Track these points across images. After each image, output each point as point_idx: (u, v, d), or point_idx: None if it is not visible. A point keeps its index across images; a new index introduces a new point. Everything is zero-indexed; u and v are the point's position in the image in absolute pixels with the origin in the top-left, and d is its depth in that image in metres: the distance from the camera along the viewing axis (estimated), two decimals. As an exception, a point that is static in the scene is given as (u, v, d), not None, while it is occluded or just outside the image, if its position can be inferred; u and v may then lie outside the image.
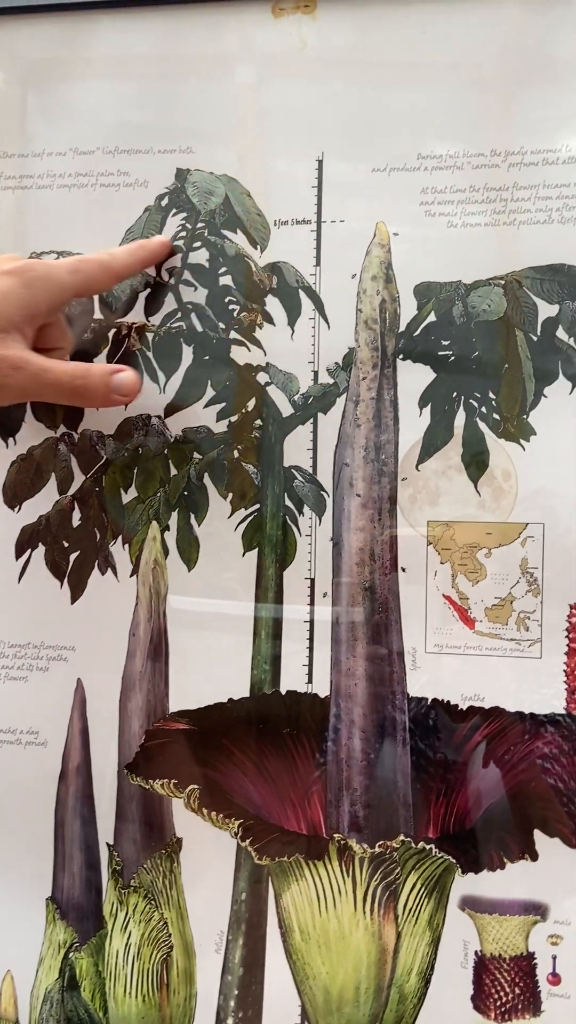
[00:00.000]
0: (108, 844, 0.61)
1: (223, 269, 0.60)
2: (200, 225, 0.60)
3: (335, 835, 0.57)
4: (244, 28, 0.59)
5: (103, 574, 0.62)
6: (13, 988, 0.62)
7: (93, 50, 0.62)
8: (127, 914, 0.60)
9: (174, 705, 0.60)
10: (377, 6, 0.58)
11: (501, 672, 0.57)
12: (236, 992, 0.59)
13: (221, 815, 0.59)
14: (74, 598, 0.62)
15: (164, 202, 0.61)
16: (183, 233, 0.60)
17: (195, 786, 0.59)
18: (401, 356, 0.58)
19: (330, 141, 0.59)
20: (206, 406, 0.60)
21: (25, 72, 0.63)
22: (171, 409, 0.61)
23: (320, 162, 0.59)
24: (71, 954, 0.61)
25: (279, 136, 0.59)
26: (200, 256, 0.60)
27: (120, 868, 0.61)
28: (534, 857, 0.56)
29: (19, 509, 0.62)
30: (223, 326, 0.60)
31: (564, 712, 0.56)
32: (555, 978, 0.57)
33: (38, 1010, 0.62)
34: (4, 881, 0.62)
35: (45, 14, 0.62)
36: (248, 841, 0.58)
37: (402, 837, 0.57)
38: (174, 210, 0.60)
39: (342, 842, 0.57)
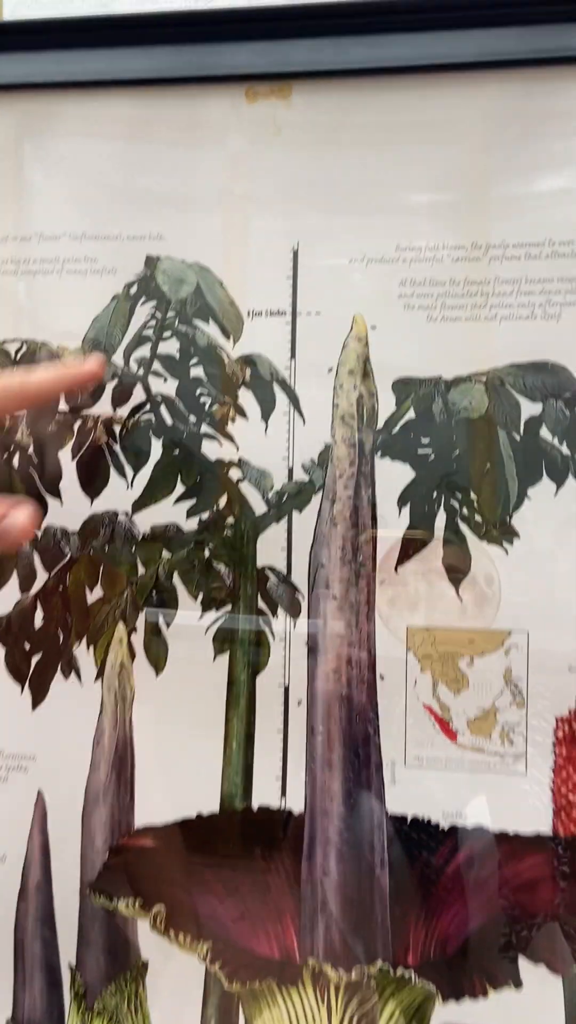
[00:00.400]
0: (70, 965, 0.58)
1: (194, 360, 0.58)
2: (171, 314, 0.58)
3: (309, 960, 0.55)
4: (217, 113, 0.58)
5: (66, 678, 0.59)
6: None
7: (58, 132, 0.60)
8: (89, 1043, 0.57)
9: (140, 819, 0.57)
10: (354, 93, 0.56)
11: (484, 788, 0.54)
12: None
13: (189, 937, 0.56)
14: (35, 704, 0.59)
15: (133, 290, 0.58)
16: (152, 322, 0.58)
17: (161, 906, 0.56)
18: (379, 453, 0.56)
19: (306, 230, 0.57)
20: (176, 502, 0.57)
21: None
22: (139, 505, 0.58)
23: (295, 252, 0.57)
24: None
25: (253, 224, 0.57)
26: (170, 346, 0.58)
27: (83, 991, 0.57)
28: (519, 984, 0.53)
29: (-22, 608, 0.60)
30: (194, 419, 0.58)
31: (550, 833, 0.54)
32: None
33: None
34: (-42, 1007, 0.59)
35: (5, 92, 0.60)
36: (217, 965, 0.55)
37: (380, 963, 0.54)
38: (143, 298, 0.58)
39: (317, 968, 0.54)
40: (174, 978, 0.56)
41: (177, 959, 0.56)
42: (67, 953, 0.58)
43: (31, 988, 0.58)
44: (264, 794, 0.56)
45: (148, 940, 0.56)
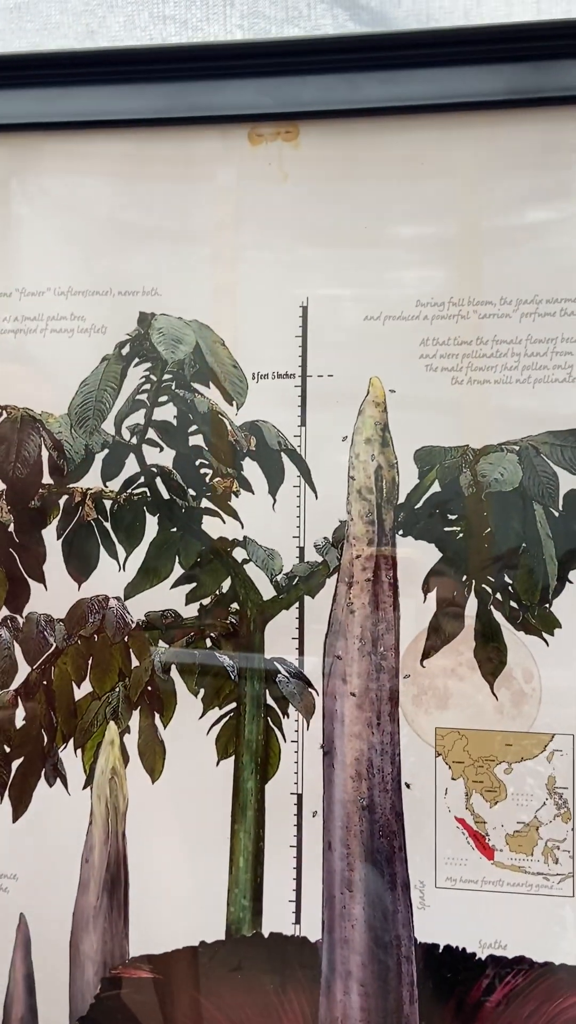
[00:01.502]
0: None
1: (193, 428, 0.52)
2: (167, 377, 0.53)
3: None
4: (217, 157, 0.53)
5: (51, 786, 0.53)
6: None
7: (41, 176, 0.55)
8: None
9: (135, 948, 0.51)
10: (367, 135, 0.51)
11: (526, 913, 0.48)
12: None
13: None
14: (16, 815, 0.53)
15: (125, 350, 0.53)
16: (147, 386, 0.53)
17: (161, 1049, 0.50)
18: (401, 532, 0.50)
19: (316, 285, 0.52)
20: (173, 586, 0.52)
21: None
22: (132, 590, 0.52)
23: (304, 308, 0.52)
24: None
25: (258, 279, 0.52)
26: (166, 412, 0.53)
27: None
28: None
29: (-47, 706, 0.54)
30: (193, 493, 0.52)
31: (603, 966, 0.48)
32: None
33: None
34: None
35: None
36: None
37: None
38: (136, 360, 0.53)
39: None
40: None
41: None
42: None
43: None
44: (275, 919, 0.50)
45: None
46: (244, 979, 0.50)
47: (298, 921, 0.50)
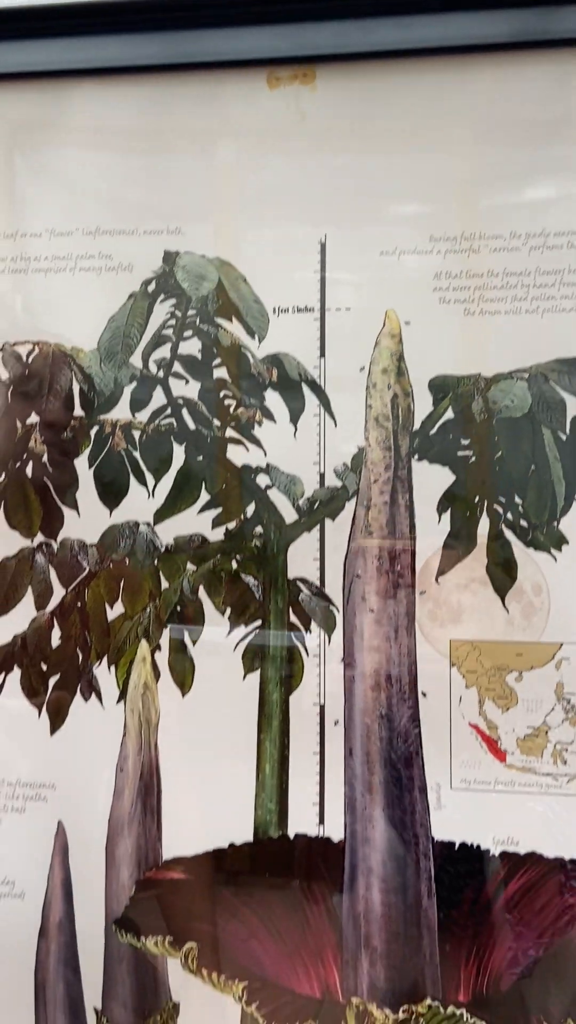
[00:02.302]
0: (96, 1009, 0.55)
1: (217, 361, 0.55)
2: (191, 313, 0.56)
3: (353, 999, 0.52)
4: (237, 100, 0.55)
5: (86, 700, 0.56)
6: None
7: (69, 122, 0.57)
8: None
9: (168, 851, 0.55)
10: (383, 76, 0.54)
11: (537, 812, 0.51)
12: None
13: (223, 976, 0.53)
14: (53, 728, 0.56)
15: (151, 287, 0.56)
16: (172, 321, 0.56)
17: (193, 944, 0.53)
18: (416, 456, 0.53)
19: (334, 222, 0.54)
20: (200, 511, 0.55)
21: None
22: (161, 515, 0.55)
23: (323, 245, 0.55)
24: None
25: (277, 217, 0.55)
26: (191, 347, 0.56)
27: (109, 1038, 0.55)
28: (579, 1021, 0.51)
29: (-9, 628, 0.57)
30: (218, 423, 0.55)
31: (609, 858, 0.51)
32: None
33: None
34: (-24, 1056, 0.56)
35: (9, 83, 0.58)
36: (255, 1006, 0.52)
37: (429, 1001, 0.51)
38: (162, 296, 0.56)
39: (361, 1007, 0.52)
40: (208, 1021, 0.54)
41: (211, 1000, 0.53)
42: (92, 996, 0.55)
43: (53, 1034, 0.55)
44: (301, 821, 0.54)
45: (179, 980, 0.54)
46: (271, 878, 0.53)
47: (322, 822, 0.53)
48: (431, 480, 0.53)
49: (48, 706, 0.56)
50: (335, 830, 0.53)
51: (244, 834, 0.54)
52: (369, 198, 0.54)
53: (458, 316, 0.53)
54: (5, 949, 0.55)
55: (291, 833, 0.53)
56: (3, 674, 0.56)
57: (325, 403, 0.54)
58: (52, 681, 0.56)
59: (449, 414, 0.53)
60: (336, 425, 0.54)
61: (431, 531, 0.53)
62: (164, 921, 0.53)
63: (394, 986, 0.52)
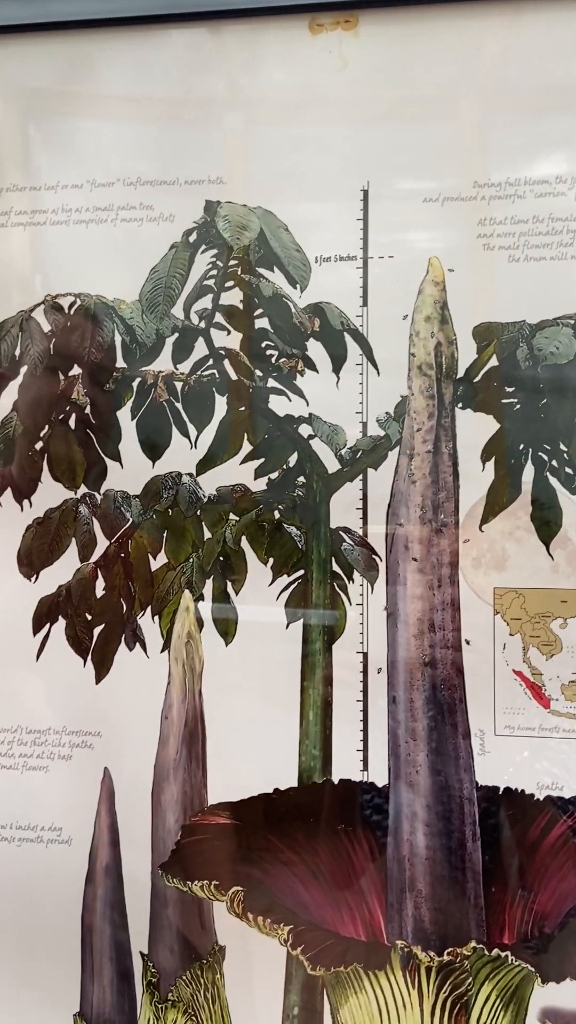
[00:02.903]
0: (142, 953, 0.56)
1: (259, 311, 0.55)
2: (233, 263, 0.56)
3: (398, 942, 0.53)
4: (278, 47, 0.55)
5: (131, 650, 0.57)
6: None
7: (108, 71, 0.58)
8: (165, 1033, 0.55)
9: (213, 796, 0.56)
10: (427, 21, 0.54)
11: (581, 756, 0.52)
12: None
13: (268, 920, 0.54)
14: (99, 677, 0.57)
15: (192, 238, 0.56)
16: (213, 272, 0.56)
17: (239, 888, 0.54)
18: (460, 405, 0.53)
19: (376, 169, 0.54)
20: (242, 462, 0.56)
21: (31, 98, 0.59)
22: (204, 466, 0.56)
23: (366, 192, 0.55)
24: (102, 1079, 0.56)
25: (319, 164, 0.55)
26: (233, 297, 0.56)
27: (156, 980, 0.56)
28: (623, 963, 0.51)
29: (36, 578, 0.58)
30: (260, 374, 0.56)
31: None
32: None
33: None
34: (27, 995, 0.57)
35: (52, 32, 0.58)
36: (300, 949, 0.53)
37: (473, 944, 0.52)
38: (203, 246, 0.56)
39: (406, 950, 0.52)
40: (253, 964, 0.55)
41: (256, 944, 0.54)
42: (138, 940, 0.56)
43: (100, 979, 0.56)
44: (344, 767, 0.54)
45: (225, 924, 0.55)
46: (316, 822, 0.54)
47: (365, 768, 0.54)
48: (475, 428, 0.53)
49: (93, 655, 0.57)
50: (379, 776, 0.54)
51: (289, 780, 0.54)
52: (412, 144, 0.54)
53: (502, 263, 0.53)
54: (52, 895, 0.56)
55: (335, 779, 0.55)
56: (49, 624, 0.57)
57: (368, 352, 0.55)
58: (97, 631, 0.57)
59: (493, 362, 0.53)
60: (379, 374, 0.54)
61: (475, 479, 0.53)
62: (210, 865, 0.54)
63: (439, 929, 0.52)
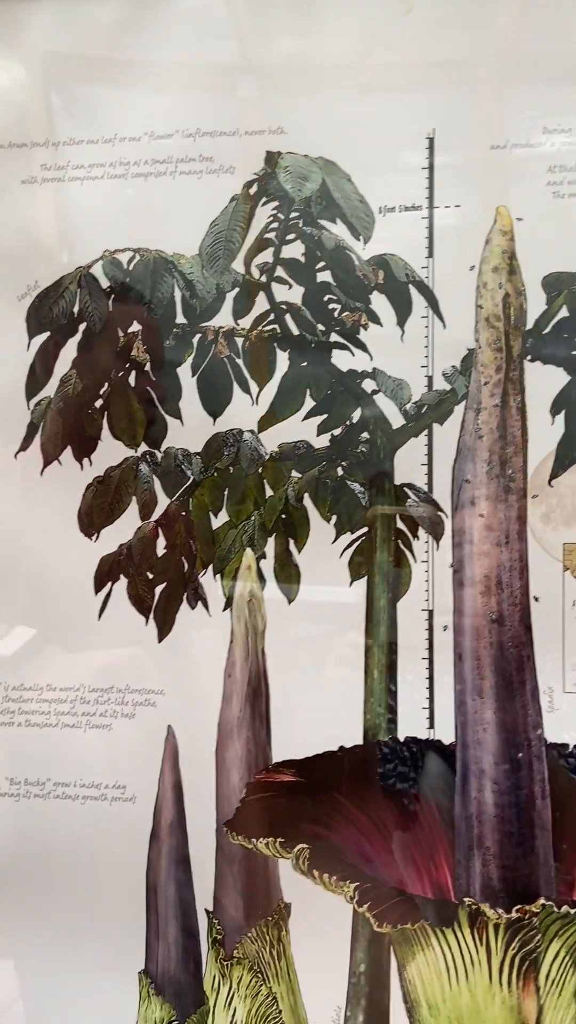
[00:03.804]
0: (207, 910, 0.57)
1: (321, 264, 0.55)
2: (294, 215, 0.55)
3: (465, 899, 0.53)
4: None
5: (192, 608, 0.57)
6: (105, 1072, 0.58)
7: (164, 18, 0.57)
8: (231, 989, 0.56)
9: (277, 754, 0.56)
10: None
11: None
12: (358, 1076, 0.55)
13: (334, 877, 0.54)
14: (161, 636, 0.58)
15: (253, 190, 0.56)
16: (275, 224, 0.56)
17: (304, 845, 0.54)
18: (529, 357, 0.53)
19: (441, 116, 0.54)
20: (305, 418, 0.55)
21: (87, 48, 0.58)
22: (265, 422, 0.56)
23: (431, 140, 0.54)
24: (169, 1034, 0.56)
25: (383, 111, 0.54)
26: (295, 250, 0.55)
27: (221, 937, 0.56)
28: None
29: (97, 537, 0.58)
30: (322, 328, 0.55)
31: None
32: None
33: None
34: (92, 953, 0.58)
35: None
36: (366, 907, 0.53)
37: (543, 900, 0.52)
38: (264, 199, 0.56)
39: (474, 907, 0.52)
40: (319, 921, 0.55)
41: (322, 901, 0.54)
42: (203, 897, 0.57)
43: (165, 936, 0.57)
44: (410, 725, 0.55)
45: (290, 881, 0.55)
46: (382, 780, 0.54)
47: (432, 726, 0.54)
48: (544, 381, 0.53)
49: (155, 614, 0.57)
50: (446, 733, 0.54)
51: (354, 738, 0.55)
52: (478, 90, 0.54)
53: (573, 211, 0.52)
54: (117, 852, 0.57)
55: (401, 736, 0.55)
56: (110, 583, 0.57)
57: (433, 304, 0.54)
58: (158, 590, 0.57)
59: (564, 313, 0.52)
60: (445, 327, 0.54)
61: (544, 434, 0.53)
62: (275, 823, 0.55)
63: (507, 886, 0.52)
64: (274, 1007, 0.56)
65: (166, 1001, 0.57)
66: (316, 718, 0.55)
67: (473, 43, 0.54)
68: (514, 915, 0.53)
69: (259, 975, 0.56)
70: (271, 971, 0.56)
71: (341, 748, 0.55)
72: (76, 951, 0.58)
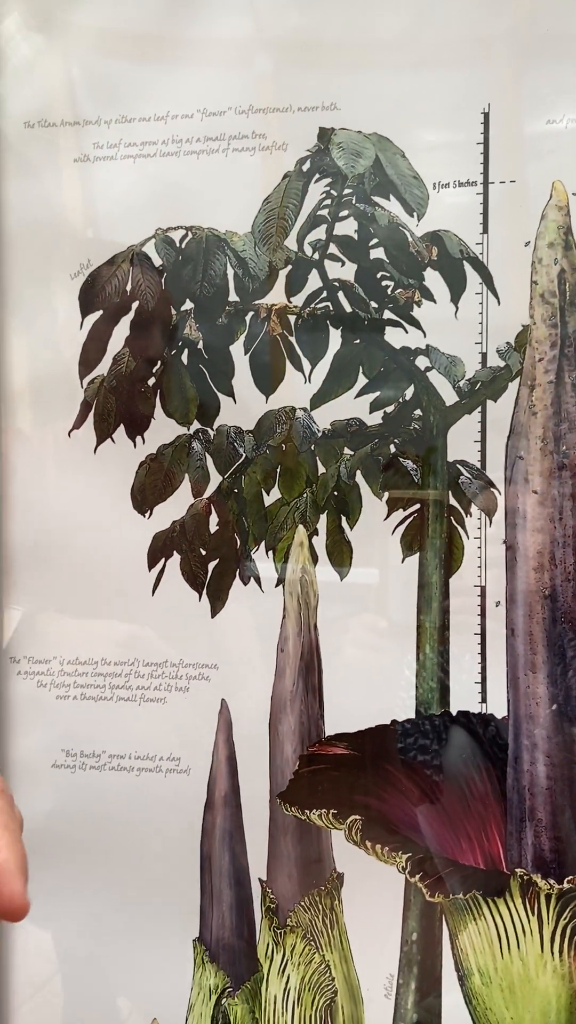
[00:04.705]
0: (261, 880, 0.58)
1: (374, 241, 0.55)
2: (347, 191, 0.56)
3: (517, 870, 0.54)
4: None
5: (245, 584, 0.58)
6: (161, 1036, 0.60)
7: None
8: (284, 956, 0.57)
9: (330, 727, 0.57)
10: None
11: None
12: (411, 1041, 0.56)
13: (387, 848, 0.55)
14: (214, 611, 0.58)
15: (306, 166, 0.56)
16: (328, 201, 0.56)
17: (357, 817, 0.55)
18: (583, 334, 0.53)
19: (497, 91, 0.54)
20: (357, 396, 0.56)
21: (138, 25, 0.58)
22: (318, 400, 0.56)
23: (486, 114, 0.54)
24: (223, 1000, 0.58)
25: (437, 86, 0.54)
26: (347, 227, 0.56)
27: (275, 906, 0.57)
28: None
29: (150, 515, 0.59)
30: (376, 305, 0.56)
31: None
32: None
33: (190, 1059, 0.59)
34: (148, 921, 0.59)
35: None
36: (418, 877, 0.54)
37: (594, 872, 0.53)
38: (317, 175, 0.56)
39: (525, 878, 0.53)
40: (372, 891, 0.56)
41: (375, 871, 0.55)
42: (257, 867, 0.58)
43: (219, 905, 0.58)
44: (463, 699, 0.55)
45: (343, 852, 0.56)
46: (435, 753, 0.55)
47: (484, 701, 0.55)
48: (599, 357, 0.53)
49: (208, 590, 0.58)
50: (498, 708, 0.54)
51: (406, 712, 0.56)
52: (533, 63, 0.53)
53: (629, 185, 0.53)
54: (171, 823, 0.58)
55: (453, 710, 0.55)
56: (164, 560, 0.58)
57: (488, 280, 0.54)
58: (211, 566, 0.58)
59: (619, 288, 0.53)
60: (499, 303, 0.54)
61: (598, 410, 0.53)
62: (328, 794, 0.56)
63: (559, 857, 0.53)
64: (327, 975, 0.57)
65: (220, 968, 0.58)
66: (368, 692, 0.56)
67: (527, 16, 0.54)
68: (566, 886, 0.54)
69: (312, 943, 0.58)
70: (324, 939, 0.58)
71: (393, 721, 0.56)
72: (131, 920, 0.60)
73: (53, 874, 0.61)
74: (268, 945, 0.59)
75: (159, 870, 0.59)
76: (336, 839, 0.57)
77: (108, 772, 0.60)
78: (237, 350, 0.57)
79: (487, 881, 0.55)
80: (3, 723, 0.61)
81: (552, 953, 0.54)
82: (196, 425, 0.58)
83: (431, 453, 0.56)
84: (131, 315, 0.58)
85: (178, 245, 0.57)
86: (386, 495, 0.56)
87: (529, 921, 0.55)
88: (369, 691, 0.56)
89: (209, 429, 0.58)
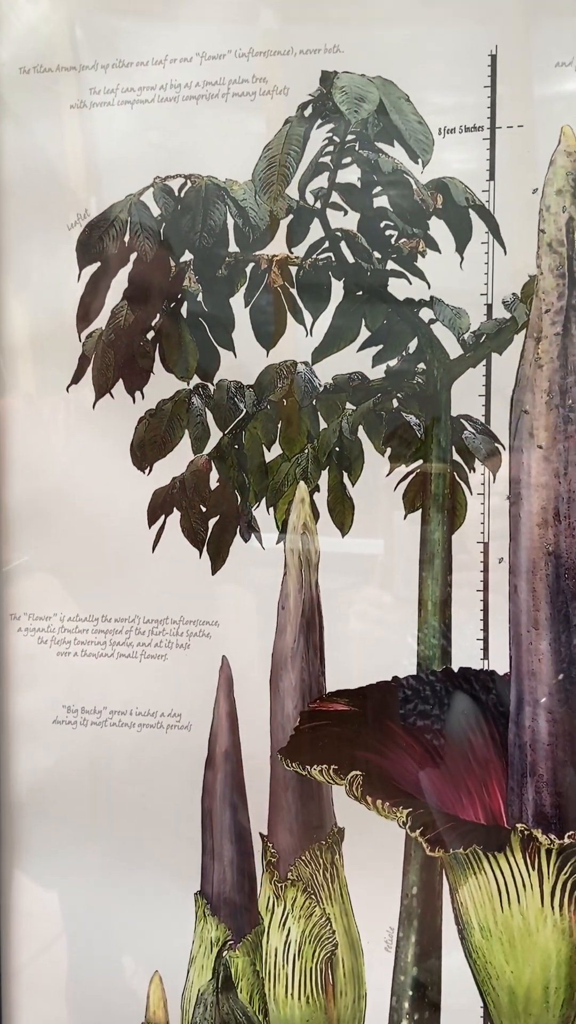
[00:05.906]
0: (261, 834, 0.59)
1: (378, 188, 0.54)
2: (350, 137, 0.54)
3: (518, 825, 0.54)
4: None
5: (246, 541, 0.58)
6: (162, 990, 0.61)
7: None
8: (285, 909, 0.58)
9: (331, 684, 0.57)
10: None
11: None
12: (410, 993, 0.57)
13: (387, 803, 0.55)
14: (215, 568, 0.58)
15: (307, 111, 0.55)
16: (330, 148, 0.55)
17: (358, 772, 0.55)
18: (591, 284, 0.52)
19: (504, 33, 0.52)
20: (360, 349, 0.55)
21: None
22: (320, 353, 0.56)
23: (493, 57, 0.53)
24: (224, 953, 0.59)
25: (443, 28, 0.53)
26: (350, 174, 0.55)
27: (275, 860, 0.58)
28: None
29: (150, 471, 0.59)
30: (379, 256, 0.55)
31: None
32: None
33: (191, 1013, 0.60)
34: (149, 875, 0.60)
35: None
36: (419, 831, 0.55)
37: (595, 827, 0.53)
38: (319, 120, 0.55)
39: (526, 832, 0.54)
40: (372, 846, 0.57)
41: (375, 826, 0.56)
42: (257, 822, 0.59)
43: (220, 859, 0.59)
44: (465, 656, 0.55)
45: (344, 807, 0.57)
46: (436, 708, 0.55)
47: (486, 657, 0.55)
48: (607, 309, 0.52)
49: (208, 547, 0.58)
50: (500, 664, 0.54)
51: (408, 668, 0.56)
52: (542, 3, 0.52)
53: None
54: (173, 779, 0.59)
55: (455, 667, 0.55)
56: (163, 516, 0.58)
57: (494, 229, 0.53)
58: (212, 523, 0.58)
59: (628, 237, 0.52)
60: (506, 253, 0.53)
61: (605, 362, 0.52)
62: (328, 750, 0.56)
63: (560, 812, 0.54)
64: (327, 927, 0.58)
65: (221, 921, 0.59)
66: (369, 649, 0.56)
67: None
68: (566, 841, 0.55)
69: (313, 897, 0.58)
70: (324, 893, 0.58)
71: (394, 678, 0.57)
72: (132, 874, 0.61)
73: (55, 830, 0.62)
74: (269, 898, 0.59)
75: (160, 824, 0.60)
76: (337, 794, 0.58)
77: (109, 728, 0.60)
78: (237, 303, 0.57)
79: (488, 836, 0.55)
80: (4, 680, 0.62)
81: (552, 908, 0.55)
82: (196, 380, 0.57)
83: (435, 407, 0.55)
84: (129, 267, 0.57)
85: (177, 194, 0.56)
86: (389, 450, 0.56)
87: (529, 876, 0.55)
88: (371, 648, 0.56)
89: (209, 384, 0.58)
